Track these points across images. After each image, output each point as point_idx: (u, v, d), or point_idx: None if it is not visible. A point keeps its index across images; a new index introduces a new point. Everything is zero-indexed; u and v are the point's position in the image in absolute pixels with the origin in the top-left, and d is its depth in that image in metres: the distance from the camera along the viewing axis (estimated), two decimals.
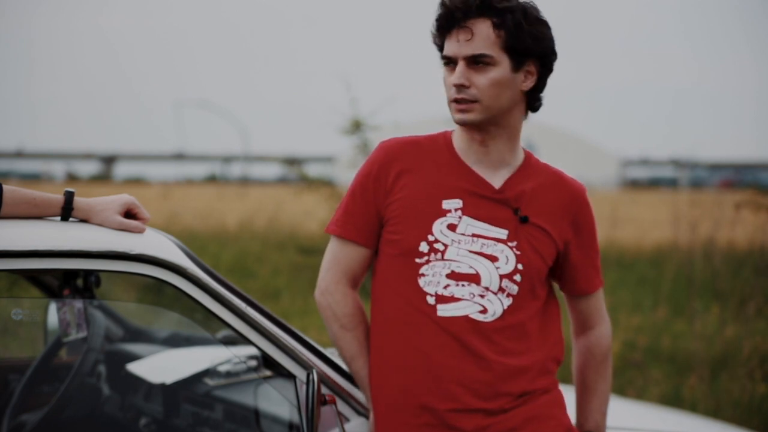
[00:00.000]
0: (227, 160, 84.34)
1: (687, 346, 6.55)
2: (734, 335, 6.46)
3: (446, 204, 2.11)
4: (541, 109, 2.19)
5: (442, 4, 2.07)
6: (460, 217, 2.10)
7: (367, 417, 2.21)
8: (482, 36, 2.03)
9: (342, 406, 2.19)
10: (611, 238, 11.42)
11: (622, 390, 5.55)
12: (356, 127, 8.72)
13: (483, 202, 2.11)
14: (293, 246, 10.77)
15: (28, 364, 2.78)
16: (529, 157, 2.20)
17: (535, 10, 2.07)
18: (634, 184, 70.90)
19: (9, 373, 2.86)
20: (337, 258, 2.20)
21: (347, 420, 2.19)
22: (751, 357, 5.90)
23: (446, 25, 2.06)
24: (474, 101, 2.05)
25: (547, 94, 2.17)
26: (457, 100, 2.06)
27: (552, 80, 2.16)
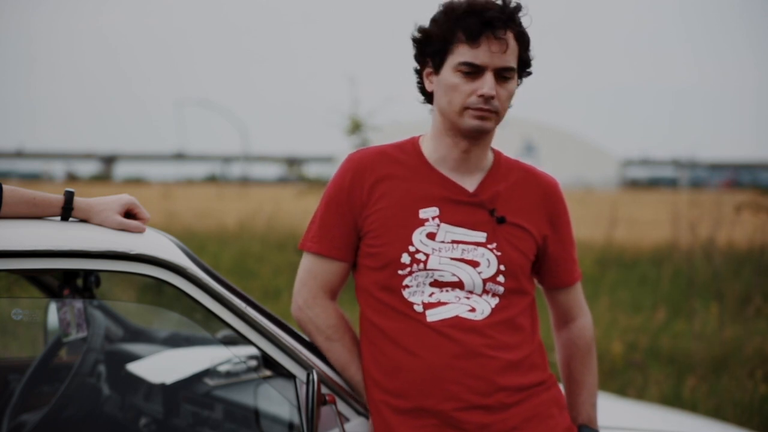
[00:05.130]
0: (227, 160, 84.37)
1: (687, 346, 6.55)
2: (734, 335, 6.46)
3: (423, 213, 2.11)
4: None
5: (475, 12, 2.01)
6: (438, 225, 2.10)
7: (367, 417, 2.21)
8: (512, 48, 2.04)
9: (342, 406, 2.19)
10: (611, 238, 11.41)
11: (622, 390, 5.55)
12: (356, 127, 8.73)
13: (459, 208, 2.12)
14: (293, 246, 10.75)
15: (28, 364, 2.77)
16: (498, 157, 2.21)
17: None
18: (634, 184, 70.89)
19: (9, 373, 2.86)
20: (314, 273, 2.19)
21: (347, 420, 2.19)
22: (751, 357, 5.90)
23: (478, 32, 2.01)
24: (495, 112, 2.05)
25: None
26: (480, 110, 2.04)
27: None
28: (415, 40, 2.12)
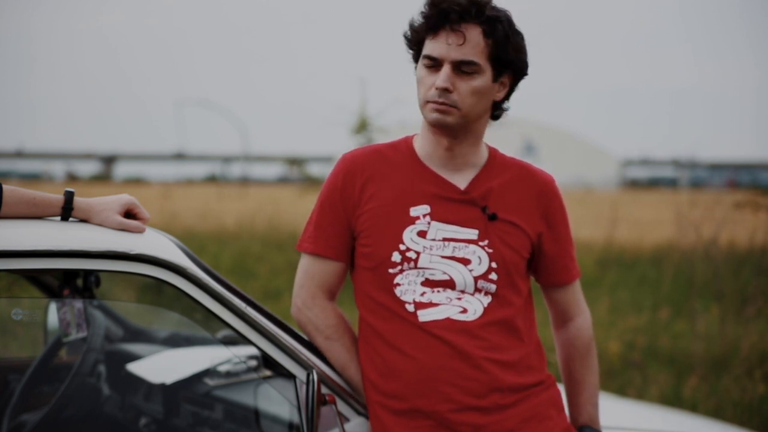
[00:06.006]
0: (227, 160, 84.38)
1: (687, 346, 6.55)
2: (734, 335, 6.45)
3: (414, 211, 2.11)
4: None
5: (434, 4, 2.04)
6: (429, 223, 2.10)
7: (367, 417, 2.21)
8: (473, 42, 2.02)
9: (342, 406, 2.19)
10: (611, 238, 11.40)
11: (622, 390, 5.55)
12: (363, 127, 8.75)
13: (450, 205, 2.11)
14: (293, 246, 10.74)
15: (28, 364, 2.77)
16: (493, 154, 2.21)
17: (514, 22, 2.08)
18: (634, 184, 70.90)
19: (9, 373, 2.86)
20: (311, 274, 2.19)
21: (347, 420, 2.19)
22: (750, 357, 5.90)
23: (437, 24, 2.03)
24: (453, 107, 2.04)
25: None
26: (436, 102, 2.04)
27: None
28: (404, 37, 2.14)
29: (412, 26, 2.10)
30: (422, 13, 2.06)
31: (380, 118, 8.77)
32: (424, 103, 2.07)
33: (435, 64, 2.04)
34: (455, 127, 2.08)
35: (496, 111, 2.15)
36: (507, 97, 2.14)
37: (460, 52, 2.01)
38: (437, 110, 2.05)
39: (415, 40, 2.10)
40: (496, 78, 2.07)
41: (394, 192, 2.13)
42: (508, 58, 2.06)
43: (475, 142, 2.15)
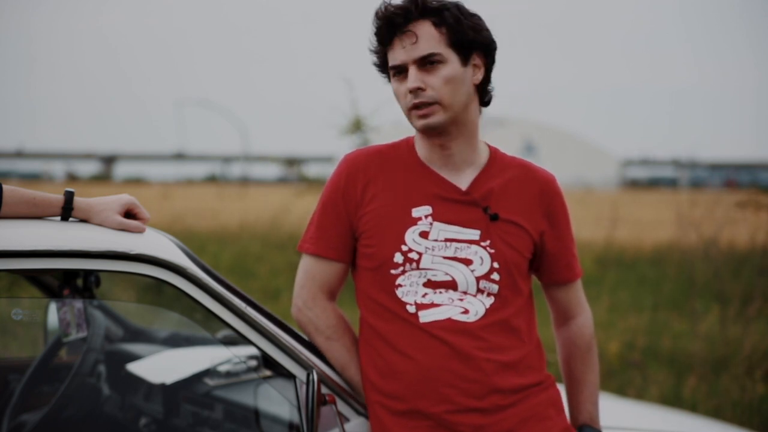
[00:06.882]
0: (227, 160, 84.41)
1: (687, 346, 6.55)
2: (734, 335, 6.45)
3: (416, 212, 2.11)
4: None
5: (378, 17, 2.06)
6: (431, 224, 2.10)
7: (367, 417, 2.21)
8: (426, 36, 2.03)
9: (342, 406, 2.19)
10: (611, 238, 11.41)
11: (622, 390, 5.55)
12: (357, 127, 8.71)
13: (452, 206, 2.12)
14: (293, 246, 10.75)
15: (28, 364, 2.77)
16: (494, 153, 2.20)
17: (464, 6, 2.09)
18: (635, 184, 70.91)
19: (9, 373, 2.86)
20: (312, 274, 2.19)
21: (347, 420, 2.19)
22: (751, 357, 5.90)
23: (387, 35, 2.06)
24: (433, 103, 2.05)
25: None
26: (416, 106, 2.05)
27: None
28: (374, 65, 2.16)
29: (373, 51, 2.13)
30: (373, 33, 2.09)
31: (374, 118, 8.72)
32: (408, 112, 2.09)
33: (401, 71, 2.06)
34: (445, 123, 2.08)
35: (484, 97, 2.15)
36: (487, 78, 2.14)
37: (417, 49, 2.03)
38: (421, 115, 2.06)
39: (382, 63, 2.12)
40: (465, 62, 2.07)
41: (395, 193, 2.13)
42: (468, 38, 2.06)
43: (471, 138, 2.15)
